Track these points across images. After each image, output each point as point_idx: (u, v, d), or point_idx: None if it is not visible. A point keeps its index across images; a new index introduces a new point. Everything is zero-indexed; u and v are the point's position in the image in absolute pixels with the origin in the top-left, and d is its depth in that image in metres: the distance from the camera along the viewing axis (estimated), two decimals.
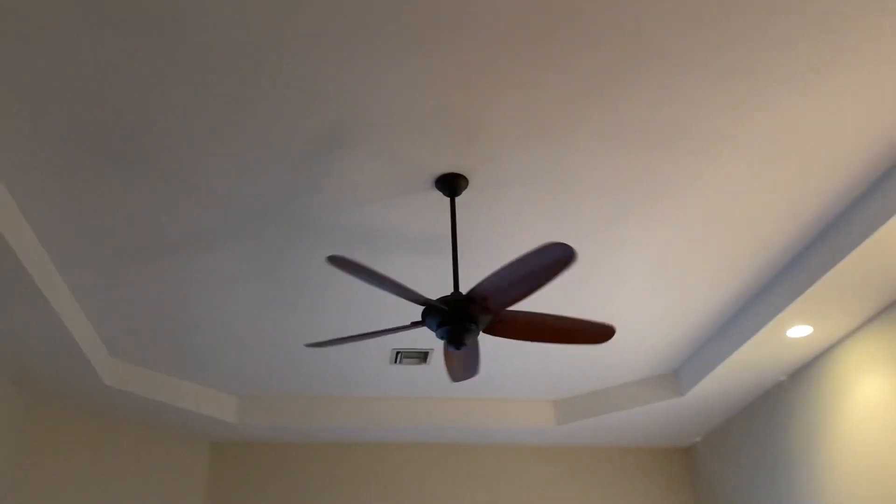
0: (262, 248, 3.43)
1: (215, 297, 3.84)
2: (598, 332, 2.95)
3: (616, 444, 5.70)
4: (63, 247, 3.39)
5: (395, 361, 4.63)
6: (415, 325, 2.82)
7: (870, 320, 3.81)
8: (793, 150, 2.90)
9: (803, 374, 4.36)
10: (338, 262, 2.45)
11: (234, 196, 3.07)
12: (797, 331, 3.90)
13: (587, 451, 5.74)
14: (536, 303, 3.93)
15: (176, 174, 2.93)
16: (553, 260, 2.52)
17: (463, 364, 3.23)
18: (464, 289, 3.75)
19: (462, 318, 2.74)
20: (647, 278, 3.77)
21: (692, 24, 2.30)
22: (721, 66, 2.47)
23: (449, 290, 3.78)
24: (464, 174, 3.00)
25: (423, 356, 4.59)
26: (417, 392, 5.16)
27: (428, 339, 4.37)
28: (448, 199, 3.13)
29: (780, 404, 4.58)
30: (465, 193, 3.10)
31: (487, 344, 4.42)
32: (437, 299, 2.74)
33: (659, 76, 2.51)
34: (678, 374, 4.84)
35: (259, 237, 3.35)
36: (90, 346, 4.11)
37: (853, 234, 3.21)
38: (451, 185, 3.00)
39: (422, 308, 3.10)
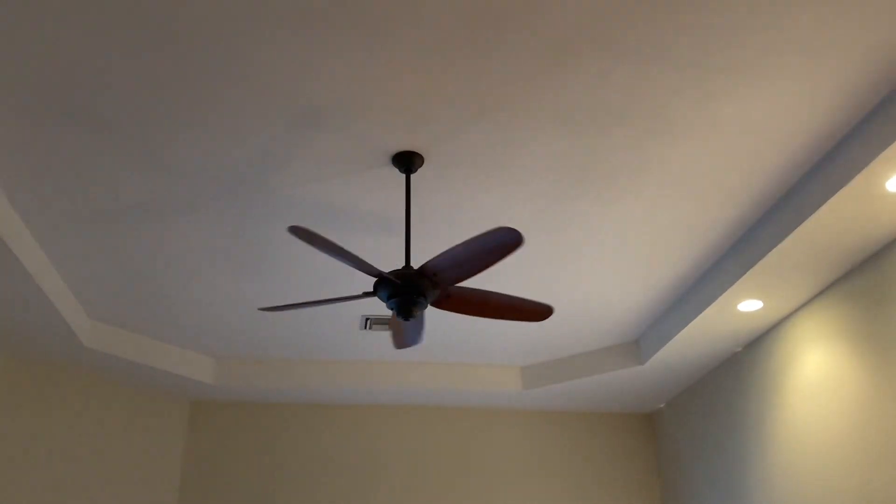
0: (227, 217, 3.56)
1: (187, 262, 3.98)
2: (537, 311, 3.14)
3: (581, 408, 5.90)
4: (37, 213, 3.51)
5: (365, 327, 4.79)
6: (366, 294, 2.96)
7: (816, 296, 3.96)
8: (737, 134, 3.01)
9: (756, 345, 4.53)
10: (298, 232, 2.57)
11: (200, 167, 3.19)
12: (747, 305, 4.05)
13: (553, 416, 5.94)
14: (497, 276, 4.08)
15: (145, 143, 3.05)
16: (501, 243, 2.68)
17: (407, 333, 3.40)
18: (415, 264, 3.89)
19: (411, 291, 2.88)
20: (604, 251, 3.90)
21: (632, 13, 2.40)
22: (661, 55, 2.58)
23: (401, 265, 3.93)
24: (419, 152, 3.12)
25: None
26: (389, 356, 5.33)
27: None
28: (404, 176, 3.25)
29: (736, 374, 4.76)
30: (420, 171, 3.22)
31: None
32: (389, 272, 2.88)
33: (599, 63, 2.62)
34: (639, 343, 5.01)
35: (224, 207, 3.48)
36: (68, 310, 4.26)
37: (797, 213, 3.33)
38: (406, 162, 3.11)
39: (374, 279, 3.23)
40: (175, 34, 2.46)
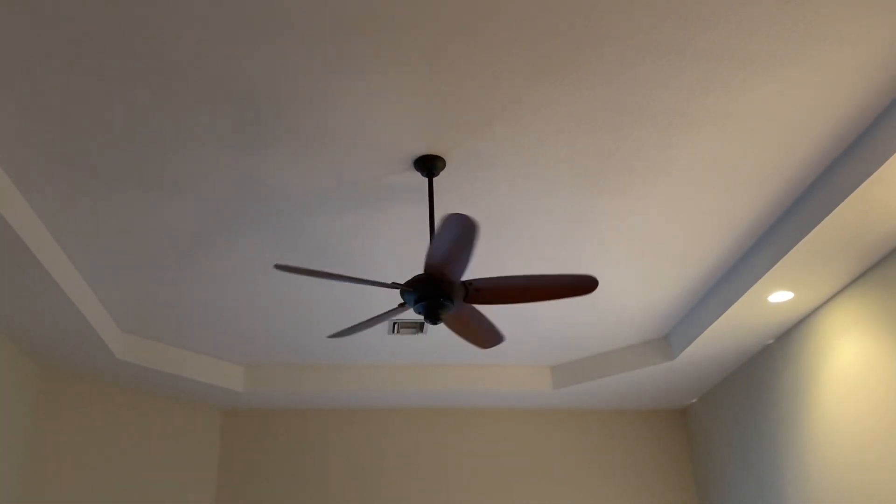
0: (252, 226, 3.58)
1: (215, 273, 4.01)
2: (579, 285, 2.88)
3: (613, 406, 5.86)
4: (66, 227, 3.56)
5: (393, 332, 4.79)
6: (395, 285, 2.95)
7: (847, 286, 3.90)
8: (763, 125, 2.97)
9: (788, 337, 4.47)
10: (284, 268, 2.66)
11: (225, 179, 3.21)
12: (778, 296, 4.00)
13: (584, 414, 5.91)
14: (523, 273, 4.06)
15: (169, 150, 3.08)
16: (573, 285, 2.69)
17: (483, 332, 3.37)
18: None
19: (438, 295, 2.88)
20: (631, 248, 3.87)
21: (653, 7, 2.38)
22: (683, 49, 2.55)
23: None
24: (441, 155, 3.11)
25: (419, 326, 4.75)
26: (416, 360, 5.34)
27: None
28: (426, 180, 3.25)
29: (767, 367, 4.70)
30: (442, 174, 3.22)
31: (485, 313, 4.56)
32: (414, 277, 2.89)
33: (620, 60, 2.60)
34: (668, 338, 4.97)
35: (249, 216, 3.50)
36: (100, 323, 4.31)
37: (826, 203, 3.29)
38: (428, 165, 3.11)
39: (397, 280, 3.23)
40: (201, 48, 2.48)
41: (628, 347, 5.14)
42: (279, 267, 2.85)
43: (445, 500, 5.58)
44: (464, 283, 2.89)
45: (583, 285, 2.86)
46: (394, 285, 2.95)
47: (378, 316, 3.13)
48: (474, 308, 3.07)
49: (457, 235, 2.58)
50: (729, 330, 4.43)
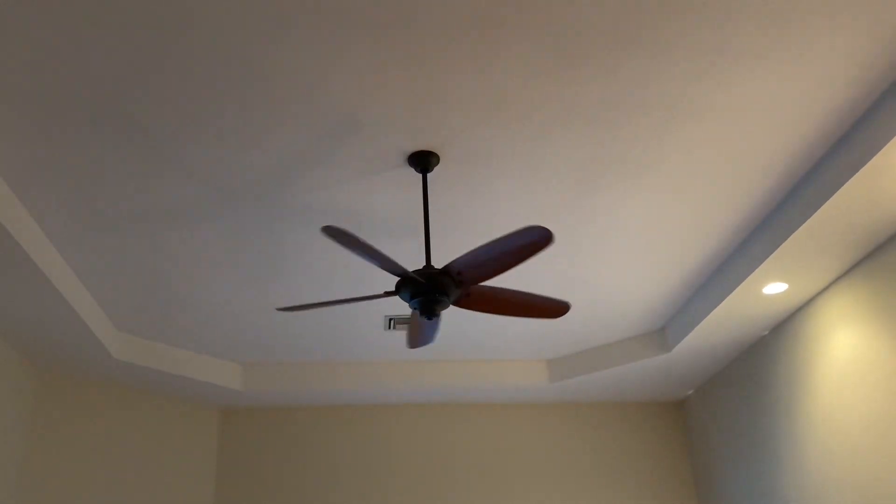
0: (247, 223, 3.58)
1: (209, 271, 4.01)
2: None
3: (610, 399, 5.88)
4: (61, 228, 3.56)
5: (389, 328, 4.80)
6: (387, 294, 2.97)
7: (841, 276, 3.92)
8: (755, 118, 2.98)
9: (783, 328, 4.49)
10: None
11: (220, 175, 3.21)
12: (772, 288, 4.02)
13: (581, 408, 5.93)
14: (519, 270, 4.07)
15: (167, 153, 3.08)
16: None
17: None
18: (436, 263, 3.89)
19: (435, 290, 2.89)
20: (626, 242, 3.89)
21: (643, 2, 2.38)
22: (676, 43, 2.55)
23: (421, 264, 3.93)
24: (435, 151, 3.12)
25: None
26: (413, 356, 5.35)
27: None
28: (420, 176, 3.26)
29: (763, 358, 4.72)
30: (436, 170, 3.22)
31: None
32: (413, 271, 2.90)
33: (612, 55, 2.60)
34: (664, 331, 4.99)
35: (244, 214, 3.50)
36: (96, 322, 4.31)
37: (820, 194, 3.30)
38: (422, 161, 3.12)
39: (396, 279, 3.24)
40: (197, 46, 2.48)
41: (624, 340, 5.15)
42: (281, 309, 2.99)
43: (443, 494, 5.60)
44: (442, 270, 2.89)
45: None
46: (386, 294, 2.98)
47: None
48: (494, 287, 3.07)
49: (350, 241, 2.59)
50: (724, 322, 4.45)
